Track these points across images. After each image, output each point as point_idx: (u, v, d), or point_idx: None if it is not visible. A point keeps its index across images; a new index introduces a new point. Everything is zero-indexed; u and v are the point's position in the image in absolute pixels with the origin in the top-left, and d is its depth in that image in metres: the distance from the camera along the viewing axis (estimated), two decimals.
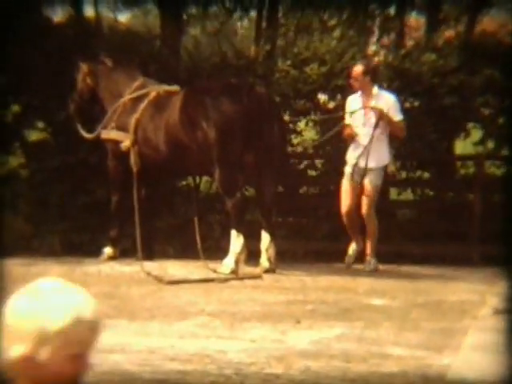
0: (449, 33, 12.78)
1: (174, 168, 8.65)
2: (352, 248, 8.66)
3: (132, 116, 8.55)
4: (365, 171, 8.43)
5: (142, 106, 8.52)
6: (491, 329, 5.71)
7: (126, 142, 8.52)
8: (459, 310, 6.47)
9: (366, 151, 8.37)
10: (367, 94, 8.48)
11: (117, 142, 8.62)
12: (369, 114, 8.45)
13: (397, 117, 8.46)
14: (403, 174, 10.17)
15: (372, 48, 9.53)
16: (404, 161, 10.01)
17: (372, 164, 8.42)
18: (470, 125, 10.00)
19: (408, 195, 10.24)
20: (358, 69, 8.47)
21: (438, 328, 5.84)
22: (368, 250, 8.58)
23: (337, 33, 11.76)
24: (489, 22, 13.89)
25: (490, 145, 9.91)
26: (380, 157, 8.47)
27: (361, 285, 7.67)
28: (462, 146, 10.46)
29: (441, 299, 7.02)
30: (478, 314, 6.39)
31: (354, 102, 8.60)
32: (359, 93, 8.55)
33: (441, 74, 9.65)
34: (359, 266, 8.61)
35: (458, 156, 10.50)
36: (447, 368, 4.78)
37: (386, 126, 8.49)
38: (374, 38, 10.60)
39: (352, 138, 8.61)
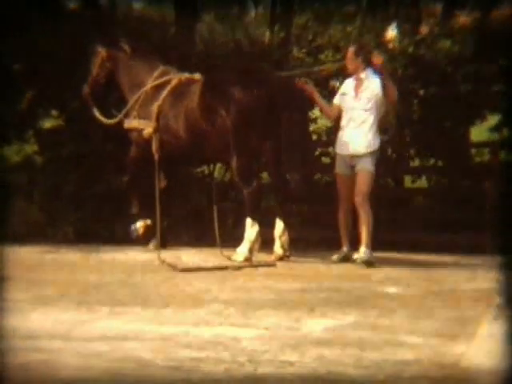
0: (465, 19, 12.69)
1: (193, 155, 8.64)
2: (341, 252, 8.30)
3: (154, 104, 8.55)
4: (355, 157, 8.24)
5: (164, 93, 8.53)
6: (506, 317, 5.68)
7: (149, 129, 8.53)
8: (474, 299, 6.45)
9: (356, 136, 8.24)
10: (358, 76, 8.33)
11: (140, 131, 8.62)
12: (359, 96, 8.28)
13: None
14: (417, 162, 10.13)
15: (389, 34, 9.46)
16: (419, 148, 9.98)
17: (362, 149, 8.23)
18: (486, 112, 9.94)
19: (422, 183, 10.20)
20: (351, 50, 8.37)
21: (452, 316, 5.82)
22: (362, 240, 8.17)
23: (356, 20, 11.71)
24: (506, 8, 13.77)
25: (506, 132, 9.85)
26: (370, 141, 8.24)
27: (375, 273, 7.66)
28: (477, 134, 10.40)
29: (455, 287, 7.00)
30: (492, 302, 6.36)
31: (347, 84, 8.47)
32: (353, 76, 8.40)
33: (456, 60, 9.59)
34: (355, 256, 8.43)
35: (473, 143, 10.45)
36: (461, 356, 4.76)
37: (378, 109, 8.28)
38: (391, 25, 10.54)
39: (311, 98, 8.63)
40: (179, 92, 8.50)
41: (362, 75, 8.31)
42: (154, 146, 8.50)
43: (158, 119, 8.54)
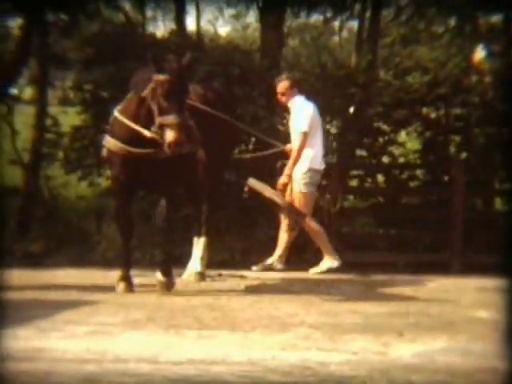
0: None
1: None
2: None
3: None
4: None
5: None
6: None
7: None
8: None
9: None
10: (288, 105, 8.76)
11: None
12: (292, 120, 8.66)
13: (298, 127, 8.54)
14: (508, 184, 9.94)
15: (477, 55, 9.36)
16: (509, 170, 9.78)
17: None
18: None
19: None
20: (285, 84, 8.66)
21: None
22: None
23: (444, 40, 11.60)
24: None
25: None
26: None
27: (464, 297, 7.51)
28: None
29: None
30: None
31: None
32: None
33: None
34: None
35: None
36: None
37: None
38: (480, 46, 10.42)
39: None
40: None
41: (290, 104, 8.68)
42: None
43: None
